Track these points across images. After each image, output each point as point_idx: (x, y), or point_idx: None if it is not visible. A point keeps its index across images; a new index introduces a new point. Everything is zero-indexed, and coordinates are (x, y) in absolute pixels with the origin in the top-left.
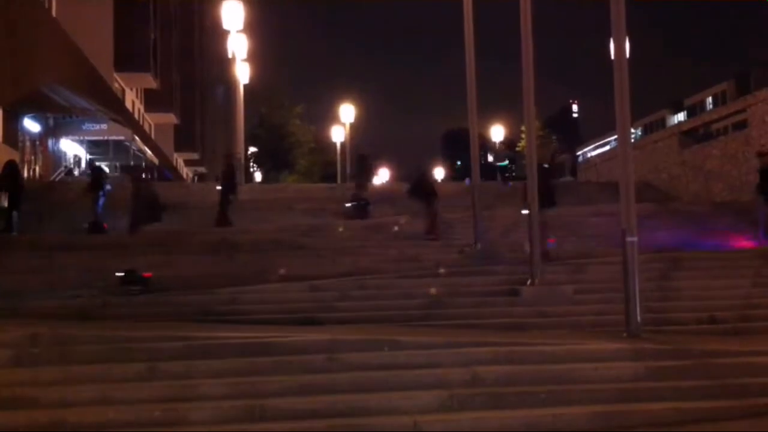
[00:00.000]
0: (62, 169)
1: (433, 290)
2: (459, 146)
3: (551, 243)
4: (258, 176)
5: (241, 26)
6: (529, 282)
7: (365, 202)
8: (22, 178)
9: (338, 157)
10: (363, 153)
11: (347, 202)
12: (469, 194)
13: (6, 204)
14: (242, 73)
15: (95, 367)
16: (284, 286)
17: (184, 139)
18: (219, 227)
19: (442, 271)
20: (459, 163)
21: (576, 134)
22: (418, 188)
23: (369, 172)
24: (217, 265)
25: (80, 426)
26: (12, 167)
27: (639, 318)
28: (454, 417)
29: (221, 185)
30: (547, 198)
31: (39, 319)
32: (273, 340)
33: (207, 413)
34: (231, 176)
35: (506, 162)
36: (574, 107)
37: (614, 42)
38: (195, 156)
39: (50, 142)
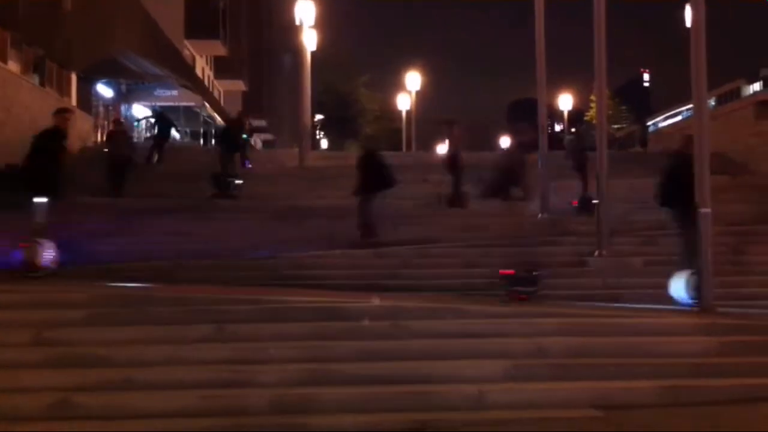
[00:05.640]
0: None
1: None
2: (525, 116)
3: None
4: (324, 143)
5: None
6: (596, 253)
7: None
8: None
9: (404, 125)
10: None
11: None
12: (533, 166)
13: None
14: (309, 41)
15: (166, 328)
16: (349, 252)
17: (252, 106)
18: None
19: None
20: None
21: (646, 104)
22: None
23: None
24: (284, 230)
25: (150, 384)
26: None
27: (711, 292)
28: (519, 387)
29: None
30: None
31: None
32: (338, 305)
33: (274, 376)
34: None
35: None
36: (645, 76)
37: (692, 8)
38: (263, 123)
39: (123, 108)
